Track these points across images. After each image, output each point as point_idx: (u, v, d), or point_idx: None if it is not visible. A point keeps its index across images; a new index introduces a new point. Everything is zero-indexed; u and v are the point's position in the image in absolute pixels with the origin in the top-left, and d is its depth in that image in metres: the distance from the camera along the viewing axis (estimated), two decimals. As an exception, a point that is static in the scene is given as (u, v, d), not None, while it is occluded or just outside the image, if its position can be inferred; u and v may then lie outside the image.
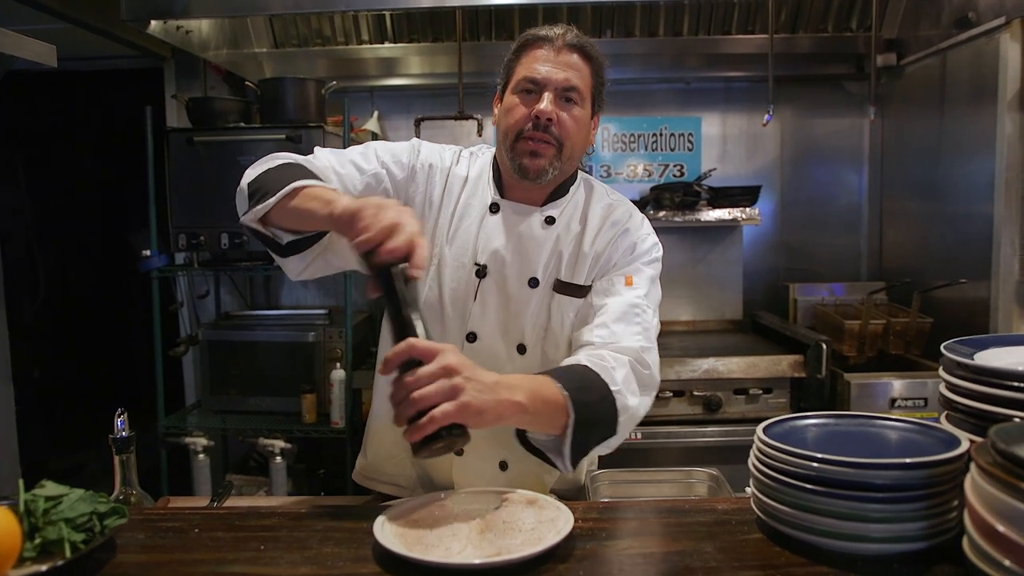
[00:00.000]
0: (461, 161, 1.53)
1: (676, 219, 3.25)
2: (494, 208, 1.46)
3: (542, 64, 1.39)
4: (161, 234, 3.07)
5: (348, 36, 3.38)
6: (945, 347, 1.06)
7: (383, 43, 3.40)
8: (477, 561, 0.86)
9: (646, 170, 3.58)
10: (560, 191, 1.49)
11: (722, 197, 3.25)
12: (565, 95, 1.39)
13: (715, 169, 3.32)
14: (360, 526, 0.99)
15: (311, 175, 1.30)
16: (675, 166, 3.58)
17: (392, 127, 3.58)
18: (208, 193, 2.93)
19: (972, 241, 2.78)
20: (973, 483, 0.79)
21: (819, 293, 3.31)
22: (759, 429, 1.00)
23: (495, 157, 1.53)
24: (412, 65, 3.49)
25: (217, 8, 2.32)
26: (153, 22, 2.44)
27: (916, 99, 3.19)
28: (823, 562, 0.86)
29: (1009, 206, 2.62)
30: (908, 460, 0.86)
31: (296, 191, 1.24)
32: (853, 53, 3.40)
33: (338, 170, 1.42)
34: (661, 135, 3.58)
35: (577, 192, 1.52)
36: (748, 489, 1.57)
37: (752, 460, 0.98)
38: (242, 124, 2.97)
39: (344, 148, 2.89)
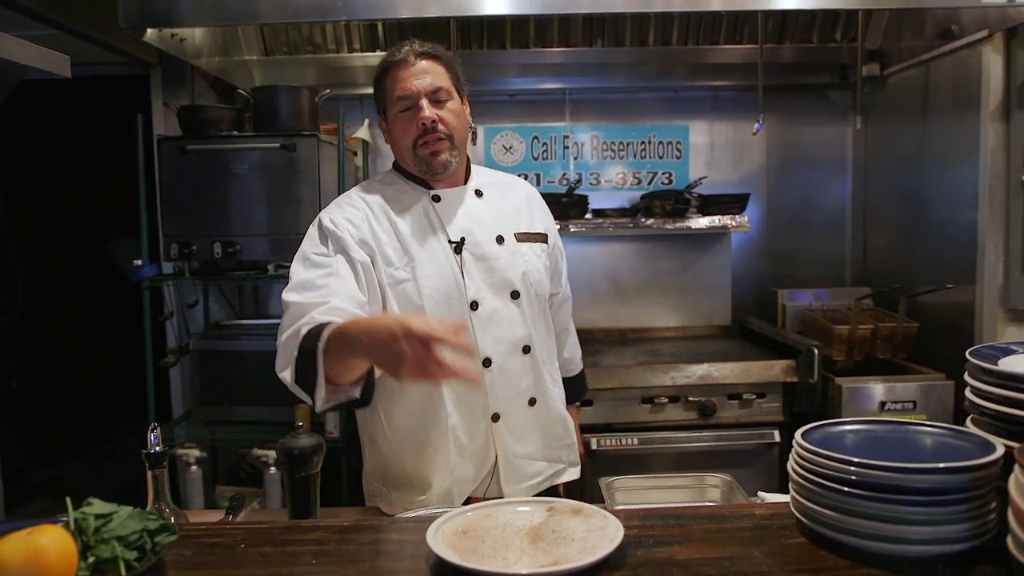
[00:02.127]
0: (365, 193, 1.70)
1: (667, 227, 3.29)
2: (436, 198, 1.68)
3: (405, 81, 1.61)
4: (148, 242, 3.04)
5: (340, 44, 3.38)
6: (971, 353, 1.09)
7: (375, 51, 3.40)
8: (538, 570, 0.87)
9: (635, 177, 3.62)
10: (467, 171, 1.76)
11: (712, 204, 3.30)
12: (435, 97, 1.61)
13: (706, 177, 3.37)
14: (408, 538, 1.00)
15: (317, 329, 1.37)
16: (663, 174, 3.62)
17: (382, 135, 3.57)
18: (201, 202, 2.90)
19: (956, 247, 2.86)
20: (1017, 483, 0.82)
21: (806, 298, 3.37)
22: (798, 435, 1.02)
23: (398, 169, 1.73)
24: (401, 73, 3.49)
25: (215, 17, 2.30)
26: (149, 30, 2.42)
27: (899, 108, 3.27)
28: (869, 564, 0.89)
29: (993, 213, 2.70)
30: (951, 464, 0.89)
31: (326, 352, 1.29)
32: (837, 63, 3.47)
33: (332, 288, 1.52)
34: (649, 143, 3.62)
35: (476, 172, 1.80)
36: (760, 494, 1.60)
37: (793, 466, 1.00)
38: (235, 132, 2.95)
39: (339, 156, 2.92)
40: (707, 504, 1.33)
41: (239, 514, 1.67)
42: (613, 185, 3.63)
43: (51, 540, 0.83)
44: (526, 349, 1.69)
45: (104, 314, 5.58)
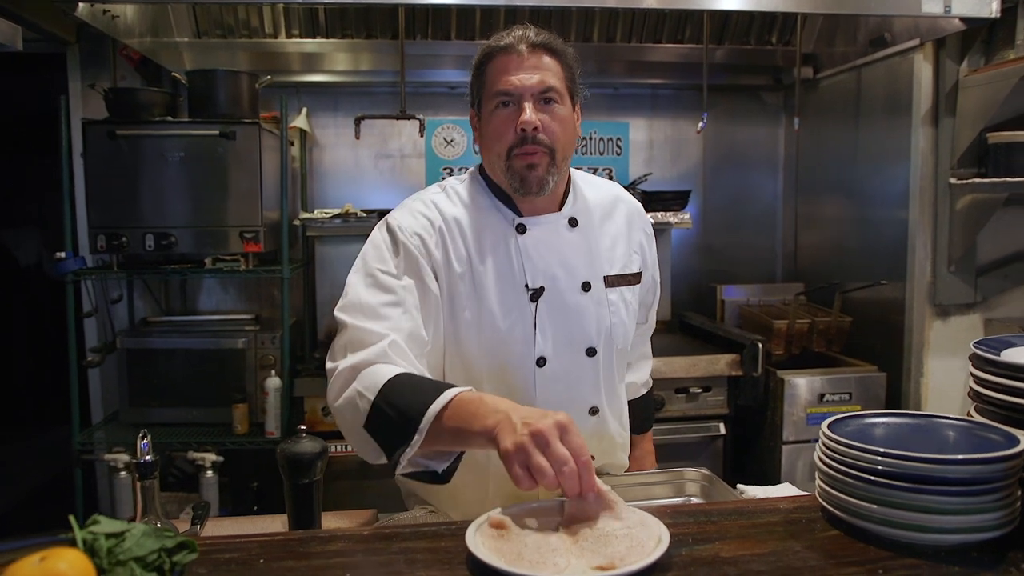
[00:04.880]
0: (445, 201, 1.45)
1: (612, 222, 3.31)
2: (521, 229, 1.42)
3: (512, 74, 1.35)
4: (61, 234, 2.83)
5: (277, 29, 3.24)
6: (975, 345, 1.13)
7: (315, 37, 3.27)
8: (609, 574, 0.84)
9: (576, 173, 3.62)
10: (567, 190, 1.49)
11: (655, 201, 3.33)
12: (543, 97, 1.35)
13: (651, 173, 3.41)
14: (439, 545, 0.95)
15: (414, 379, 1.16)
16: (604, 170, 3.64)
17: (319, 124, 3.45)
18: (132, 191, 2.73)
19: (887, 245, 3.00)
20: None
21: (742, 294, 3.46)
22: (824, 428, 1.03)
23: (485, 177, 1.48)
24: (338, 61, 3.38)
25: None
26: (81, 4, 2.24)
27: (831, 110, 3.40)
28: (910, 555, 0.91)
29: (923, 212, 2.85)
30: (987, 455, 0.92)
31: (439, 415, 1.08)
32: (771, 65, 3.58)
33: (397, 324, 1.28)
34: (591, 139, 3.64)
35: (575, 186, 1.52)
36: (740, 487, 1.62)
37: (824, 459, 1.01)
38: (169, 118, 2.78)
39: (281, 146, 2.79)
40: (731, 501, 1.32)
41: (204, 523, 1.57)
42: (555, 180, 3.62)
43: (69, 564, 0.74)
44: (593, 411, 1.49)
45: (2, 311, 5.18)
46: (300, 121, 3.30)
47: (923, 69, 2.82)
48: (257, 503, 3.00)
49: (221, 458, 2.82)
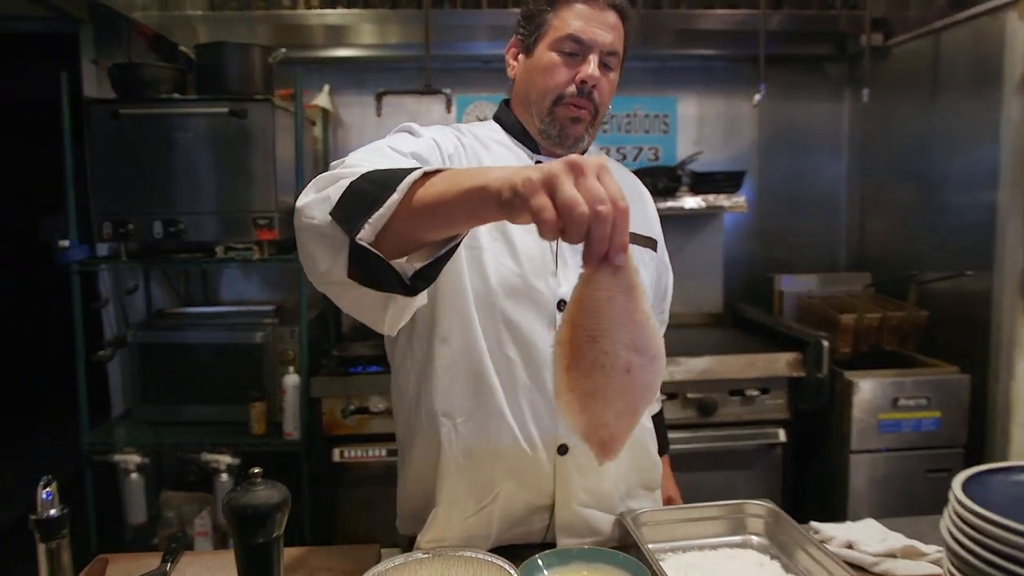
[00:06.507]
0: (464, 130, 1.38)
1: (659, 206, 3.02)
2: None
3: (588, 23, 1.30)
4: (80, 221, 2.66)
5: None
6: None
7: (335, 7, 3.04)
8: None
9: (619, 153, 3.34)
10: (584, 152, 1.41)
11: (705, 183, 3.04)
12: (605, 60, 1.32)
13: (702, 152, 3.12)
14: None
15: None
16: (649, 149, 3.36)
17: (343, 103, 3.23)
18: (138, 174, 2.54)
19: (969, 231, 2.66)
20: None
21: (803, 284, 3.15)
22: (957, 489, 0.76)
23: (507, 118, 1.41)
24: (364, 34, 3.15)
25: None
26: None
27: (903, 82, 3.05)
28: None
29: (1015, 194, 2.51)
30: None
31: (421, 181, 0.87)
32: (835, 32, 3.24)
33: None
34: (635, 116, 3.35)
35: (589, 152, 1.45)
36: (813, 524, 1.36)
37: (957, 536, 0.74)
38: (176, 95, 2.58)
39: (296, 125, 2.58)
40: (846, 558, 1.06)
41: (178, 559, 1.35)
42: (596, 161, 3.35)
43: None
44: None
45: (39, 302, 5.12)
46: (322, 99, 3.08)
47: (1017, 30, 2.47)
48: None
49: (237, 460, 2.63)
